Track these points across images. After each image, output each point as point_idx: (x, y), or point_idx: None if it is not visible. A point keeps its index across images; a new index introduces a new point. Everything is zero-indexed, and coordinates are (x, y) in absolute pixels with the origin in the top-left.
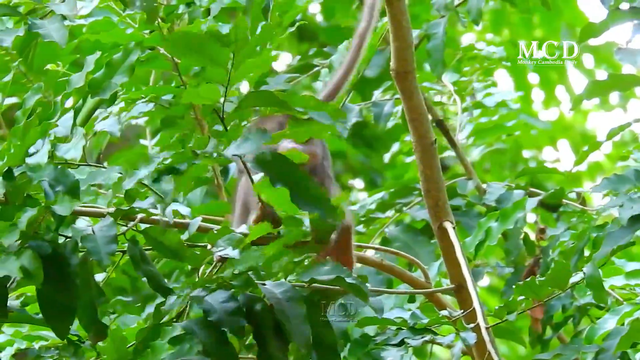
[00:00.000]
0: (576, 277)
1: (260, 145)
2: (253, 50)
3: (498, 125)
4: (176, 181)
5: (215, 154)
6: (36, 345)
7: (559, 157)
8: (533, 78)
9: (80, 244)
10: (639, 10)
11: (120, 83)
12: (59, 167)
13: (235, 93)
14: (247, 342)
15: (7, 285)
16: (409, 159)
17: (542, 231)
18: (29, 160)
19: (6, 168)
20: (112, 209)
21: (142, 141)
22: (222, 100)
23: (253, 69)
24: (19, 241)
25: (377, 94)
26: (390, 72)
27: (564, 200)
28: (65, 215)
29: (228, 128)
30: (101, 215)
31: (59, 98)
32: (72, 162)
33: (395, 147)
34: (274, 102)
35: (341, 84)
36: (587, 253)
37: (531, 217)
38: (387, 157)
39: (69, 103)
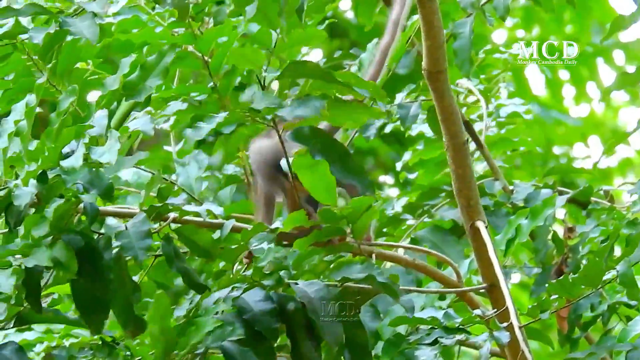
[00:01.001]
0: (607, 276)
1: (317, 110)
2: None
3: (505, 139)
4: (223, 147)
5: (268, 116)
6: (66, 342)
7: (590, 153)
8: (564, 74)
9: (114, 242)
10: None
11: (155, 85)
12: (93, 169)
13: (276, 63)
14: (277, 344)
15: (44, 283)
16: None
17: (570, 230)
18: (63, 163)
19: (40, 171)
20: (145, 208)
21: (166, 147)
22: (265, 66)
23: (301, 41)
24: (51, 235)
25: (401, 96)
26: (422, 72)
27: (592, 199)
28: (94, 205)
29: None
30: (133, 215)
31: (92, 100)
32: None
33: (407, 156)
34: (317, 73)
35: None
36: (617, 251)
37: (559, 214)
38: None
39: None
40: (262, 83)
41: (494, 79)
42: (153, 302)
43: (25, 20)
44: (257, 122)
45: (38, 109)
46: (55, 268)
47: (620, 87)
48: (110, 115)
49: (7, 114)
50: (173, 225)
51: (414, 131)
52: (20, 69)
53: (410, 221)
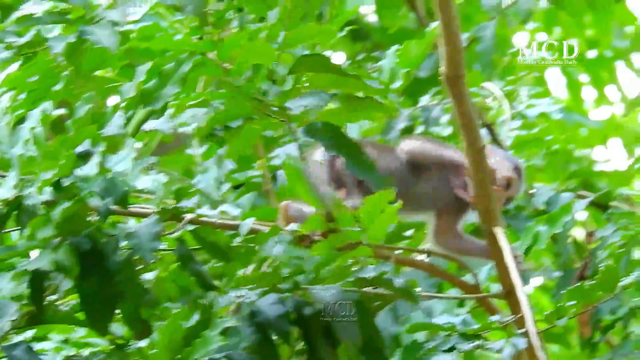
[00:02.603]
0: (626, 280)
1: (321, 102)
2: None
3: (537, 139)
4: (229, 142)
5: (275, 108)
6: (85, 351)
7: (610, 156)
8: (584, 77)
9: (125, 242)
10: None
11: (172, 94)
12: (109, 177)
13: (288, 58)
14: (297, 348)
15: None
16: None
17: (590, 234)
18: (78, 171)
19: (55, 179)
20: (158, 209)
21: (188, 151)
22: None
23: (310, 34)
24: (58, 237)
25: (426, 99)
26: (441, 77)
27: (612, 203)
28: (105, 205)
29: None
30: (147, 216)
31: (109, 108)
32: None
33: None
34: (328, 67)
35: None
36: (637, 255)
37: (581, 217)
38: None
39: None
40: (273, 77)
41: (518, 80)
42: (169, 318)
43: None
44: (267, 116)
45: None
46: (57, 271)
47: None
48: (127, 122)
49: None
50: (190, 227)
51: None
52: (45, 69)
53: None
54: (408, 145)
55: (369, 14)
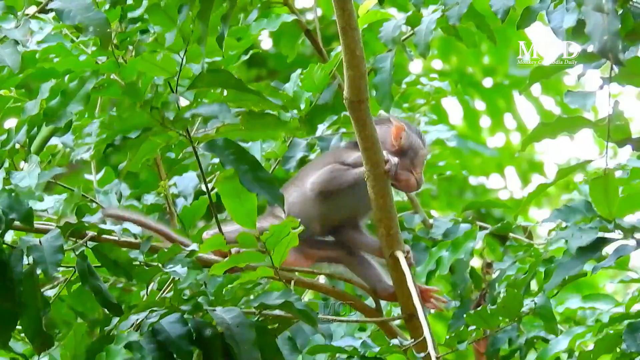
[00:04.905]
0: (524, 309)
1: (219, 111)
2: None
3: (430, 165)
4: (130, 153)
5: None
6: None
7: (506, 184)
8: (480, 105)
9: (28, 257)
10: (588, 54)
11: (76, 111)
12: (13, 194)
13: (189, 72)
14: None
15: None
16: None
17: (489, 265)
18: None
19: None
20: (60, 224)
21: (87, 176)
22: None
23: (214, 49)
24: None
25: (322, 128)
26: (344, 102)
27: (510, 235)
28: (7, 216)
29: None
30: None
31: (12, 125)
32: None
33: None
34: (230, 82)
35: None
36: (534, 286)
37: (478, 247)
38: None
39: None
40: (175, 91)
41: (417, 108)
42: (72, 330)
43: None
44: (167, 128)
45: None
46: None
47: (540, 138)
48: (30, 140)
49: None
50: (90, 244)
51: None
52: None
53: None
54: (311, 181)
55: (264, 39)
